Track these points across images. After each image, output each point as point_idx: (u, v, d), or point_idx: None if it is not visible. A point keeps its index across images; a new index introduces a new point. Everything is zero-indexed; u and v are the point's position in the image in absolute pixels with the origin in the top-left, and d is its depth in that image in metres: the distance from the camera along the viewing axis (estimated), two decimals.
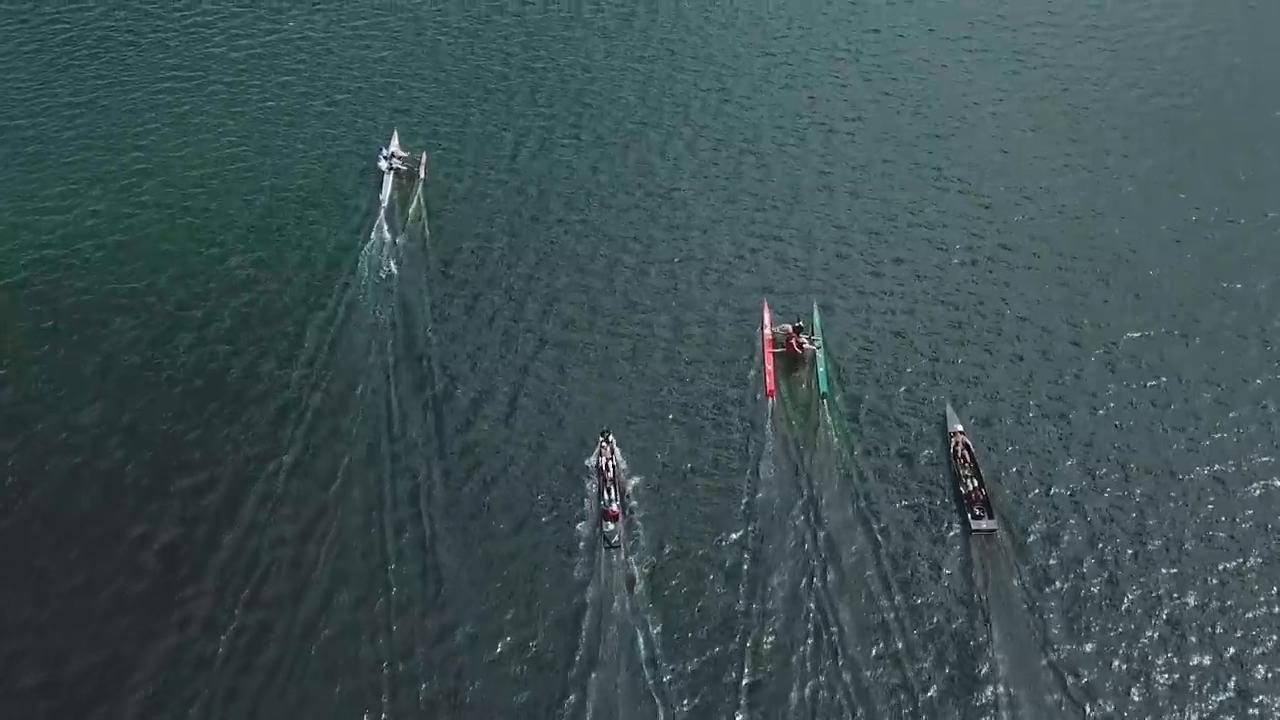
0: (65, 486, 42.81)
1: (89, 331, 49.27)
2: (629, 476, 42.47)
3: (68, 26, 72.44)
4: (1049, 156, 59.55)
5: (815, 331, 47.98)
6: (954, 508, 41.12)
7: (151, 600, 39.01)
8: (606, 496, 40.76)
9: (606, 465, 41.71)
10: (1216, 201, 55.51)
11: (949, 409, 44.37)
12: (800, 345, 46.96)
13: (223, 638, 37.66)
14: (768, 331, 47.95)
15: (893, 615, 37.76)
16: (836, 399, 45.41)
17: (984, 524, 40.29)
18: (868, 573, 39.04)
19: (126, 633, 37.98)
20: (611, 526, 40.15)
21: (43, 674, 36.94)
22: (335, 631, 38.08)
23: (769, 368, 46.38)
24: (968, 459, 42.27)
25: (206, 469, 43.31)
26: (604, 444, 42.56)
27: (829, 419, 44.57)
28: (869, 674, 36.31)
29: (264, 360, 47.96)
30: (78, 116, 63.88)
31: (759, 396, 45.52)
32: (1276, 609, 37.81)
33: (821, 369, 46.32)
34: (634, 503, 41.63)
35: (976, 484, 41.36)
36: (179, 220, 55.77)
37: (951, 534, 40.38)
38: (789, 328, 47.41)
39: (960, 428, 43.43)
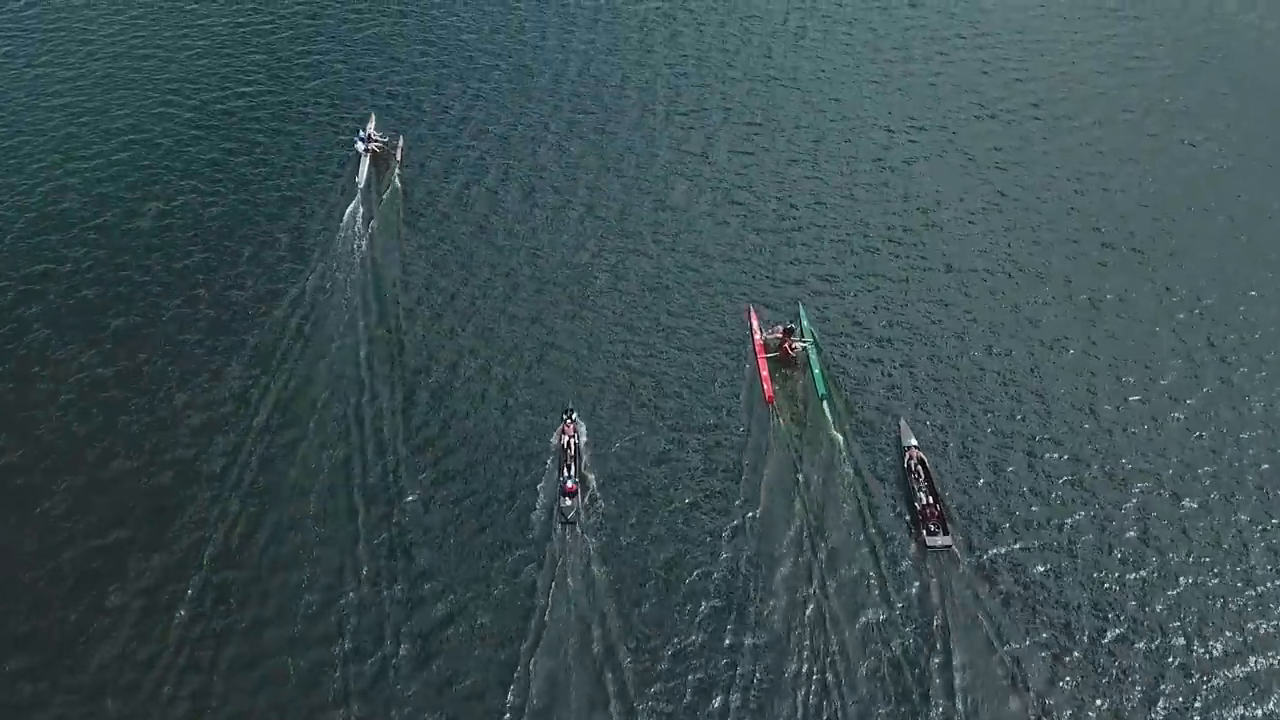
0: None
1: (72, 302, 49.49)
2: (593, 456, 42.37)
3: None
4: (1028, 156, 60.12)
5: (804, 332, 47.59)
6: (908, 523, 40.72)
7: (110, 568, 38.70)
8: (566, 473, 40.76)
9: (568, 444, 41.72)
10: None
11: (903, 424, 43.99)
12: (792, 347, 46.52)
13: (179, 613, 37.42)
14: (758, 337, 47.34)
15: (849, 627, 37.42)
16: (835, 399, 45.05)
17: (939, 540, 39.92)
18: (827, 582, 38.72)
19: (76, 607, 37.79)
20: (569, 503, 40.06)
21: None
22: (297, 600, 37.94)
23: (764, 374, 45.83)
24: (922, 474, 41.98)
25: (171, 438, 43.17)
26: (567, 423, 42.60)
27: (829, 421, 44.17)
28: (825, 688, 35.98)
29: (236, 337, 47.59)
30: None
31: (756, 405, 44.95)
32: (1237, 619, 38.04)
33: (816, 370, 45.94)
34: (594, 482, 41.52)
35: (931, 499, 41.04)
36: (150, 201, 55.38)
37: (906, 549, 39.97)
38: (780, 331, 46.85)
39: (915, 442, 43.11)
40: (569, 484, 40.42)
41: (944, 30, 71.85)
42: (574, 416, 43.01)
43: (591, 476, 41.78)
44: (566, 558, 39.03)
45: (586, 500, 40.93)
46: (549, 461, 42.07)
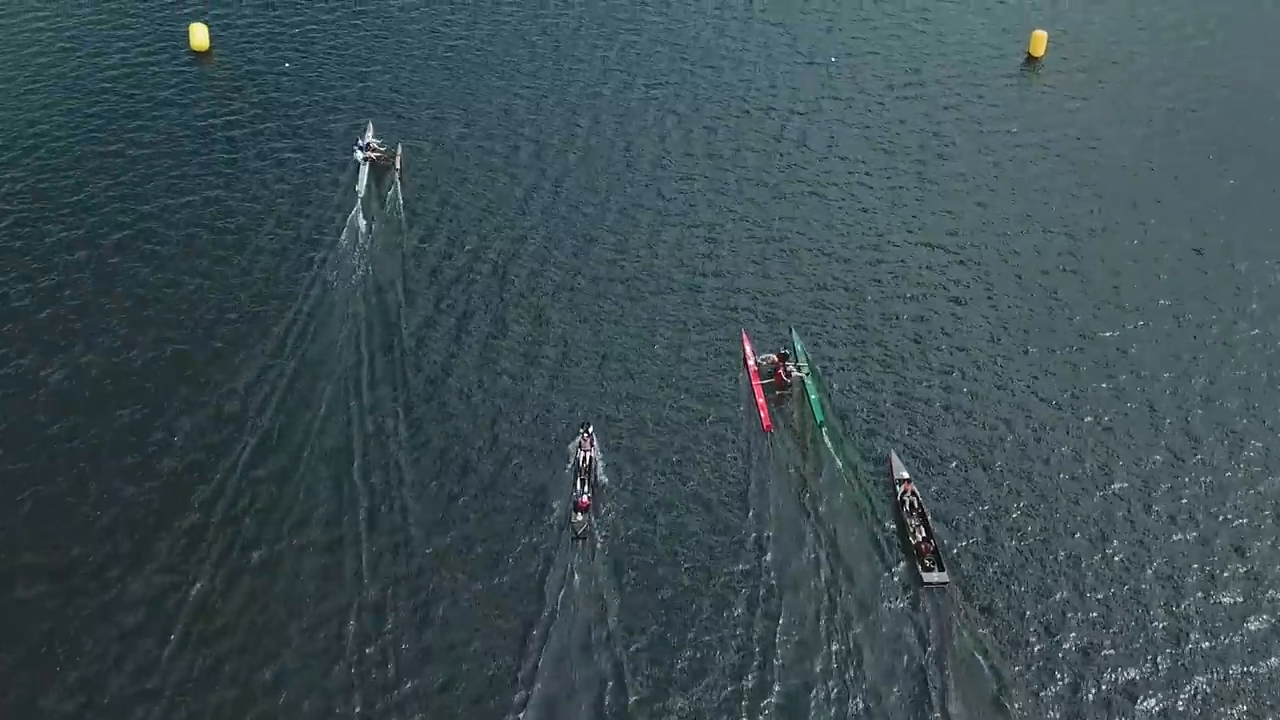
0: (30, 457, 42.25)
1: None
2: (606, 473, 42.39)
3: None
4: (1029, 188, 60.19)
5: (799, 357, 47.66)
6: (903, 559, 40.54)
7: (107, 573, 38.27)
8: (580, 488, 40.63)
9: (584, 457, 41.65)
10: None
11: (894, 457, 43.87)
12: (788, 373, 46.50)
13: (176, 629, 36.88)
14: (751, 363, 47.33)
15: (840, 667, 37.36)
16: (835, 427, 45.04)
17: (935, 576, 39.72)
18: (829, 617, 38.71)
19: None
20: (581, 518, 39.91)
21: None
22: (299, 611, 37.62)
23: (760, 400, 45.73)
24: (916, 509, 41.86)
25: (169, 451, 42.62)
26: (584, 436, 42.49)
27: (830, 448, 44.19)
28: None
29: (233, 347, 47.08)
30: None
31: (754, 433, 44.89)
32: (1240, 657, 38.31)
33: (813, 396, 45.95)
34: (607, 500, 41.47)
35: (925, 534, 40.91)
36: (146, 207, 54.78)
37: (902, 587, 39.79)
38: (774, 356, 46.88)
39: (907, 475, 42.96)
40: (583, 499, 40.29)
41: (990, 130, 65.47)
42: (590, 430, 42.92)
43: (607, 492, 41.73)
44: (577, 574, 38.90)
45: (600, 517, 40.85)
46: (563, 475, 42.01)
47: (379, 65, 67.76)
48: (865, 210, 58.16)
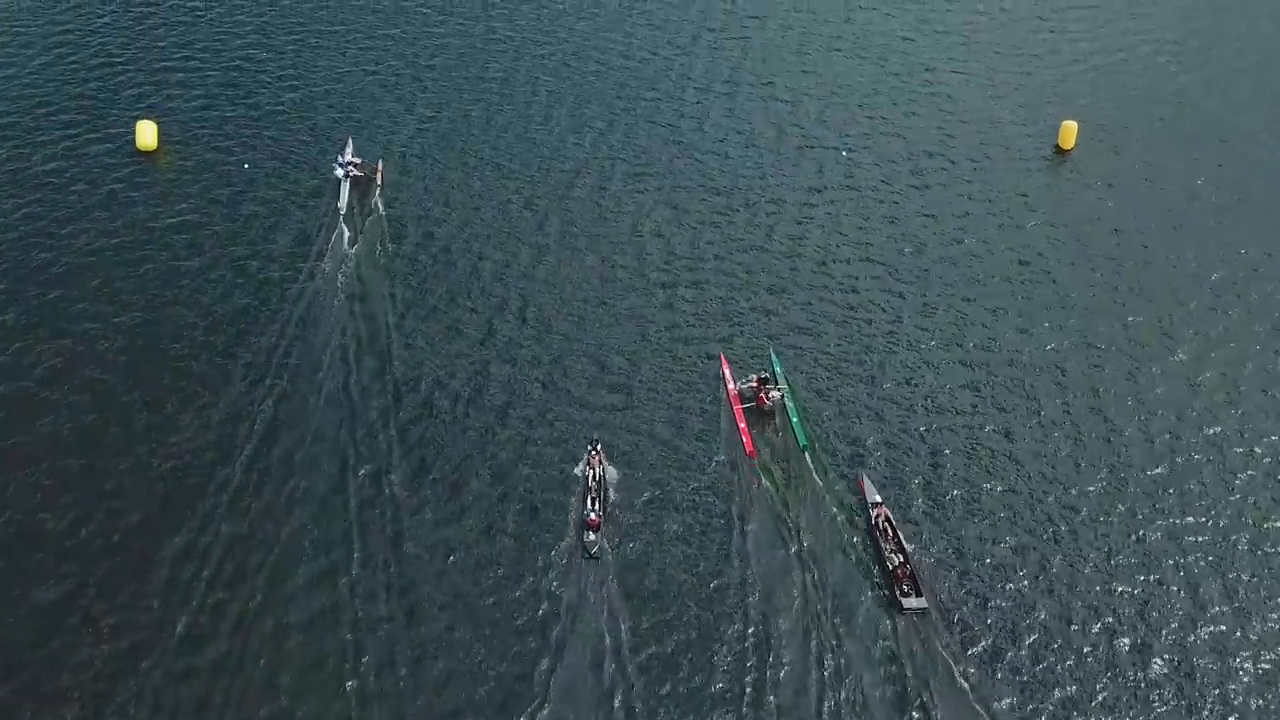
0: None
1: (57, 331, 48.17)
2: (616, 489, 42.80)
3: None
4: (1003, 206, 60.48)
5: (779, 379, 47.71)
6: (881, 585, 41.09)
7: (99, 592, 38.40)
8: (590, 506, 40.92)
9: (593, 475, 41.89)
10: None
11: (866, 481, 44.18)
12: (768, 396, 46.59)
13: (168, 659, 37.06)
14: (731, 387, 47.39)
15: (829, 699, 38.02)
16: (816, 449, 45.45)
17: (913, 602, 40.09)
18: (822, 643, 39.40)
19: (76, 621, 37.55)
20: (593, 537, 40.26)
21: None
22: (300, 633, 37.87)
23: (742, 426, 45.79)
24: (890, 533, 42.34)
25: (152, 477, 42.46)
26: (592, 453, 42.73)
27: (813, 472, 44.71)
28: None
29: (218, 371, 46.92)
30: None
31: (738, 459, 45.14)
32: (1219, 681, 39.10)
33: (794, 419, 46.17)
34: (620, 517, 41.95)
35: (902, 559, 41.41)
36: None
37: (882, 613, 40.35)
38: (754, 381, 47.00)
39: (879, 499, 43.38)
40: (593, 517, 40.63)
41: (1017, 226, 59.93)
42: (599, 447, 43.22)
43: (618, 510, 42.14)
44: (589, 594, 39.43)
45: (612, 535, 41.41)
46: (571, 494, 42.53)
47: (358, 80, 67.24)
48: (884, 308, 54.07)
